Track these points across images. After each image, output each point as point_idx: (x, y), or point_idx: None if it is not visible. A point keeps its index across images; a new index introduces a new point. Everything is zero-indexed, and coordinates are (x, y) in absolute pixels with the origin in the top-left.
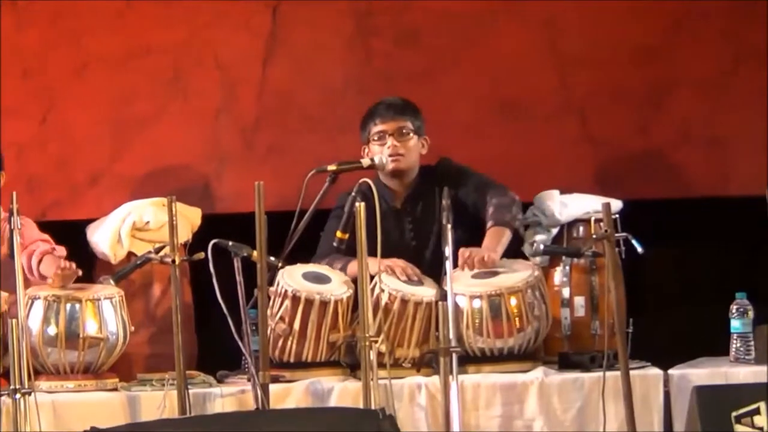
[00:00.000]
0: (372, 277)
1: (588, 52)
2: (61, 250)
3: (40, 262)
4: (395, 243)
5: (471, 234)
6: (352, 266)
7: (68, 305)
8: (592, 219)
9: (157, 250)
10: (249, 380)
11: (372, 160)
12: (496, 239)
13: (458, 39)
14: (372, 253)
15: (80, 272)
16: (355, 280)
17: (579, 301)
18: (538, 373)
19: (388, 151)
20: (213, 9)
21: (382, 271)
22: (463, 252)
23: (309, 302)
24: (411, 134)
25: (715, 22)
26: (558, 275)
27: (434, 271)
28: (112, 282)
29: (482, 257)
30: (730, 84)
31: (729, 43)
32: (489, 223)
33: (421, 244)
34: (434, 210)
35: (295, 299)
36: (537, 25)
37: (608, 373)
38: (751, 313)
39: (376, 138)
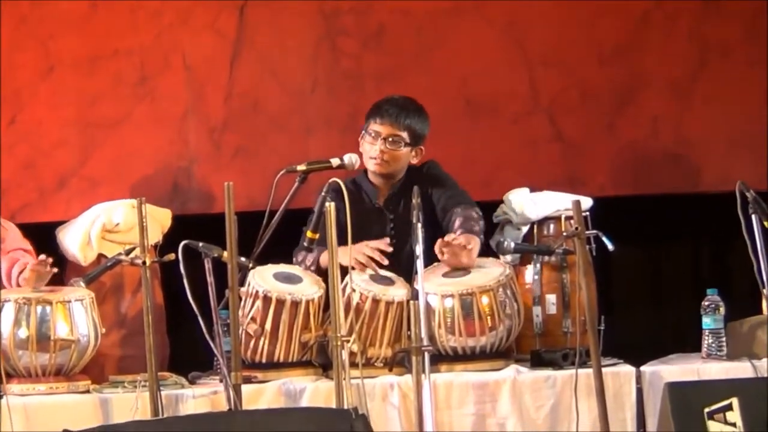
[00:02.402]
0: (343, 271)
1: (556, 50)
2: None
3: (21, 272)
4: (375, 239)
5: (441, 237)
6: (325, 256)
7: (39, 307)
8: (563, 217)
9: (128, 252)
10: (221, 381)
11: (341, 159)
12: (469, 242)
13: (425, 39)
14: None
15: (55, 270)
16: (326, 279)
17: (550, 298)
18: (510, 371)
19: (374, 153)
20: (179, 10)
21: (353, 268)
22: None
23: (280, 302)
24: (402, 145)
25: (683, 20)
26: (529, 273)
27: (411, 269)
28: (82, 284)
29: (463, 241)
30: (698, 82)
31: (696, 41)
32: (458, 231)
33: (400, 242)
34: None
35: (267, 299)
36: (504, 25)
37: (580, 371)
38: (722, 310)
39: (371, 134)
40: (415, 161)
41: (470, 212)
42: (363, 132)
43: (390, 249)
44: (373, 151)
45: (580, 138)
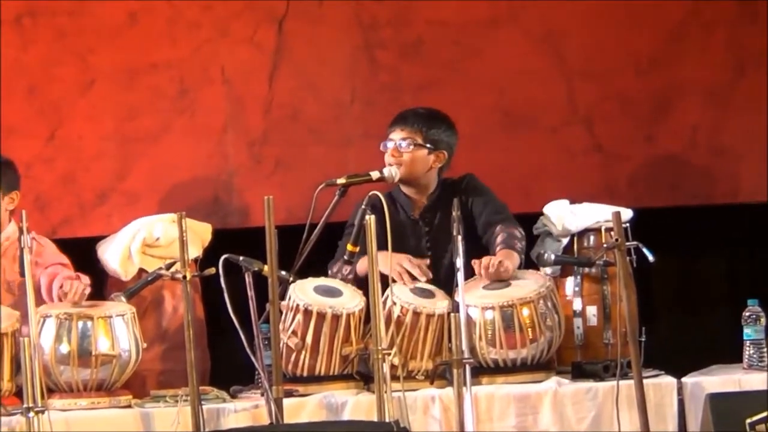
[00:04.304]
0: (383, 280)
1: (593, 61)
2: (85, 279)
3: (61, 287)
4: (411, 252)
5: (481, 249)
6: (362, 262)
7: (80, 323)
8: (603, 228)
9: (168, 267)
10: (262, 395)
11: (381, 172)
12: (508, 258)
13: (462, 50)
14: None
15: (88, 283)
16: (366, 290)
17: (591, 310)
18: (551, 383)
19: (391, 158)
20: (217, 23)
21: (394, 276)
22: (477, 261)
23: (321, 316)
24: (413, 147)
25: (719, 30)
26: (569, 285)
27: (449, 282)
28: (123, 299)
29: (499, 261)
30: (735, 91)
31: (733, 51)
32: (499, 247)
33: (437, 255)
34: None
35: (307, 313)
36: (541, 36)
37: (622, 382)
38: (763, 320)
39: (388, 144)
40: (435, 165)
41: (513, 230)
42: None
43: (430, 275)
44: (388, 157)
45: (618, 148)
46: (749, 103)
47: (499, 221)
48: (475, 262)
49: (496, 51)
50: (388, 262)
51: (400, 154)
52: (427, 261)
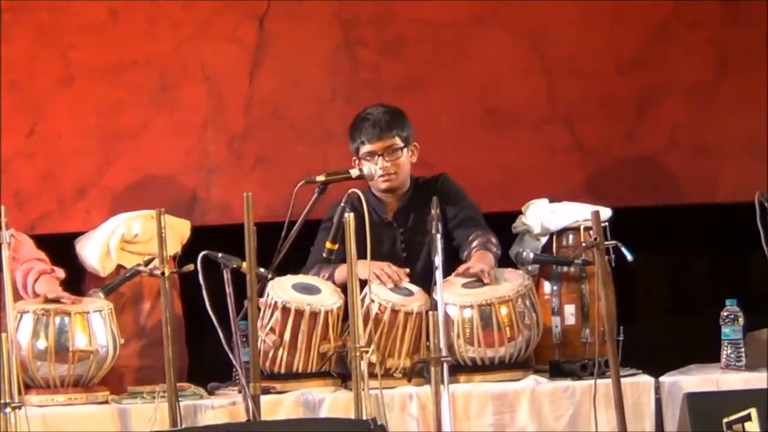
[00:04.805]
0: (362, 283)
1: (574, 59)
2: (60, 272)
3: (36, 281)
4: (386, 254)
5: (454, 250)
6: (341, 271)
7: (57, 318)
8: (582, 227)
9: (147, 263)
10: (240, 392)
11: (360, 170)
12: (484, 260)
13: (444, 48)
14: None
15: (62, 277)
16: (345, 290)
17: (569, 309)
18: (529, 381)
19: (380, 171)
20: (199, 20)
21: (372, 280)
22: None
23: (299, 313)
24: (400, 151)
25: (701, 30)
26: (548, 284)
27: (425, 282)
28: (101, 295)
29: (488, 270)
30: (717, 90)
31: (715, 50)
32: (476, 248)
33: (412, 256)
34: (426, 222)
35: (285, 310)
36: (523, 34)
37: (599, 381)
38: (741, 320)
39: (366, 158)
40: (413, 159)
41: (490, 237)
42: (354, 155)
43: (407, 280)
44: (378, 170)
45: (599, 147)
46: (730, 103)
47: (475, 227)
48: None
49: (478, 49)
50: (366, 268)
51: (390, 166)
52: (407, 270)
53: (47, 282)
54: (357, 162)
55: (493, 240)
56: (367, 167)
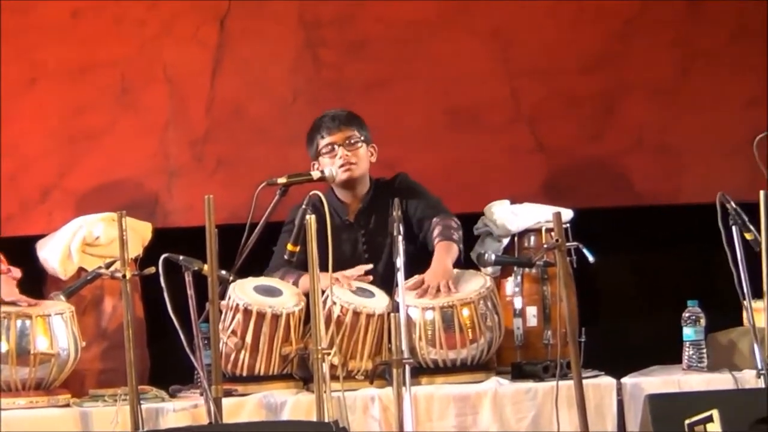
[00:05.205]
0: (324, 291)
1: (538, 60)
2: (16, 272)
3: None
4: (348, 256)
5: (419, 249)
6: (304, 281)
7: (18, 321)
8: (543, 228)
9: (108, 265)
10: (202, 394)
11: (322, 172)
12: (447, 252)
13: (407, 49)
14: (323, 265)
15: (18, 277)
16: (307, 294)
17: (531, 311)
18: (491, 383)
19: (340, 161)
20: (161, 22)
21: (333, 284)
22: (422, 283)
23: (261, 315)
24: (360, 143)
25: (666, 29)
26: (510, 285)
27: (387, 284)
28: (62, 298)
29: (445, 283)
30: (681, 90)
31: (680, 50)
32: (437, 240)
33: (373, 257)
34: (388, 223)
35: (247, 313)
36: (486, 34)
37: (561, 383)
38: (703, 321)
39: (325, 151)
40: (372, 160)
41: (449, 221)
42: (313, 159)
43: (370, 278)
44: (337, 160)
45: (562, 148)
46: (694, 103)
47: (433, 215)
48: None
49: (441, 50)
50: (328, 280)
51: (350, 155)
52: (370, 278)
53: (4, 283)
54: (316, 166)
55: (453, 224)
56: (328, 169)
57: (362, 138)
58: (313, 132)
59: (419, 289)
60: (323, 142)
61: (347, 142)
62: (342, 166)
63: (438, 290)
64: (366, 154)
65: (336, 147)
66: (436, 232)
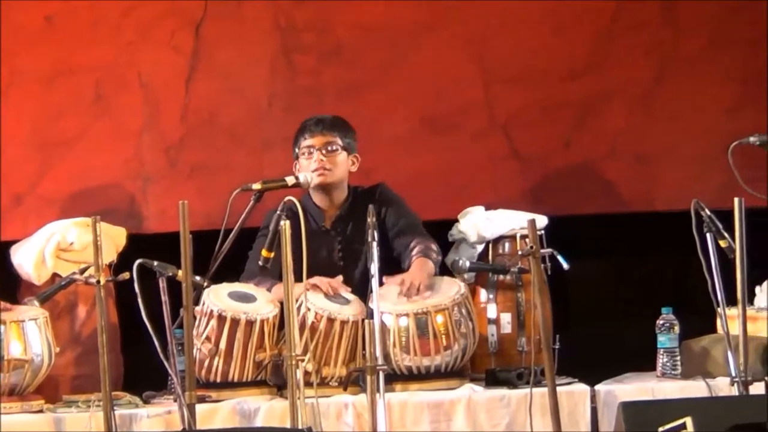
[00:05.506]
0: (297, 298)
1: (514, 67)
2: None
3: None
4: (323, 262)
5: (393, 259)
6: (277, 289)
7: None
8: (518, 235)
9: (82, 271)
10: (175, 400)
11: (297, 178)
12: (425, 265)
13: (384, 55)
14: (298, 271)
15: None
16: (281, 300)
17: (505, 317)
18: (465, 390)
19: (315, 165)
20: (136, 28)
21: (307, 290)
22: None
23: (235, 321)
24: (338, 150)
25: (642, 36)
26: (484, 292)
27: (362, 290)
28: (36, 303)
29: (420, 284)
30: (656, 98)
31: (655, 57)
32: (416, 256)
33: (349, 264)
34: (365, 231)
35: (221, 319)
36: (463, 42)
37: (535, 390)
38: (677, 328)
39: (304, 153)
40: (354, 169)
41: (429, 244)
42: (296, 156)
43: (349, 289)
44: (312, 164)
45: (538, 155)
46: (669, 110)
47: (415, 234)
48: (396, 283)
49: (418, 56)
50: (301, 290)
51: (325, 160)
52: (340, 277)
53: None
54: (297, 166)
55: (434, 247)
56: (303, 175)
57: (342, 145)
58: (298, 133)
59: (401, 287)
60: (304, 143)
61: (326, 147)
62: (316, 170)
63: (418, 290)
64: (344, 162)
65: (314, 150)
66: (415, 250)
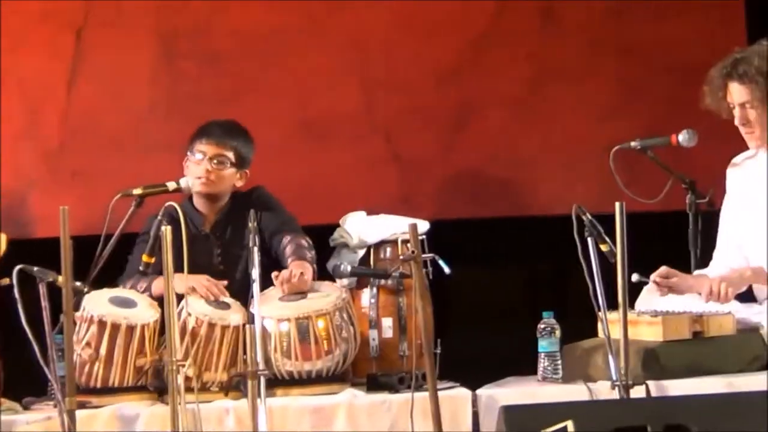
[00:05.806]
0: (179, 297)
1: (393, 72)
2: None
3: None
4: (203, 267)
5: (273, 262)
6: (158, 283)
7: None
8: (399, 240)
9: None
10: (55, 406)
11: (178, 183)
12: (302, 270)
13: (264, 60)
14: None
15: None
16: (161, 303)
17: (387, 322)
18: (346, 395)
19: (200, 172)
20: (15, 32)
21: (188, 293)
22: (276, 274)
23: (115, 327)
24: (227, 165)
25: (519, 41)
26: (365, 297)
27: (243, 294)
28: None
29: (300, 272)
30: (534, 103)
31: (533, 62)
32: (290, 259)
33: (229, 269)
34: (244, 235)
35: (101, 324)
36: (341, 46)
37: (417, 394)
38: (558, 332)
39: (195, 155)
40: (240, 184)
41: (301, 240)
42: (188, 153)
43: (227, 294)
44: (198, 170)
45: (417, 160)
46: (548, 115)
47: (286, 230)
48: (275, 275)
49: (297, 61)
50: (184, 282)
51: (212, 171)
52: (225, 282)
53: None
54: (187, 158)
55: (305, 243)
56: (185, 180)
57: (233, 161)
58: (199, 131)
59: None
60: (198, 146)
61: (216, 158)
62: (200, 177)
63: (298, 277)
64: (231, 176)
65: (204, 159)
66: (288, 250)
